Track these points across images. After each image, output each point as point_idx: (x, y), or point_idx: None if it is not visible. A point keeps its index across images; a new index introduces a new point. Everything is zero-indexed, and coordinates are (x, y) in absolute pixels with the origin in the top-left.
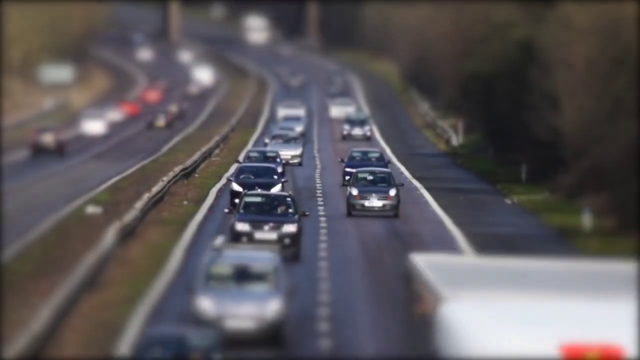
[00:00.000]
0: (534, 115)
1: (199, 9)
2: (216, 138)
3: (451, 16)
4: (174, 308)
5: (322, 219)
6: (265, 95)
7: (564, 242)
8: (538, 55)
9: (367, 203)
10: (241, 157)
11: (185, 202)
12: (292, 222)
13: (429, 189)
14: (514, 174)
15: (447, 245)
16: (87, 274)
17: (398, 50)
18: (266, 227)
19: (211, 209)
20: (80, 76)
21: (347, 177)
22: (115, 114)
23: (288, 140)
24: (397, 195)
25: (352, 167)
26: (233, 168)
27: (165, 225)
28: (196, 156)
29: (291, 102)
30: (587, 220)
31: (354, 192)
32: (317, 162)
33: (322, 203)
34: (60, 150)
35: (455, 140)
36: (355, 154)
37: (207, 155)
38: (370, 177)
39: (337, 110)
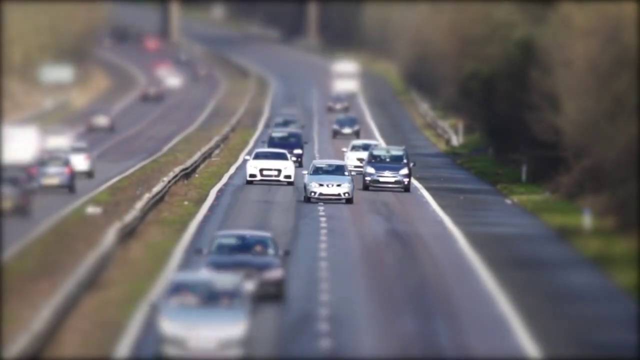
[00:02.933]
0: (534, 115)
1: (199, 9)
2: (216, 138)
3: (451, 16)
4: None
5: (322, 219)
6: (265, 95)
7: (564, 242)
8: (538, 55)
9: None
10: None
11: (186, 202)
12: None
13: (429, 189)
14: (514, 174)
15: (447, 245)
16: (87, 274)
17: (398, 51)
18: None
19: (211, 209)
20: (81, 76)
21: None
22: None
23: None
24: None
25: None
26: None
27: (165, 225)
28: (196, 156)
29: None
30: (587, 220)
31: None
32: None
33: (322, 203)
34: (159, 98)
35: (456, 140)
36: None
37: (207, 156)
38: None
39: (354, 159)
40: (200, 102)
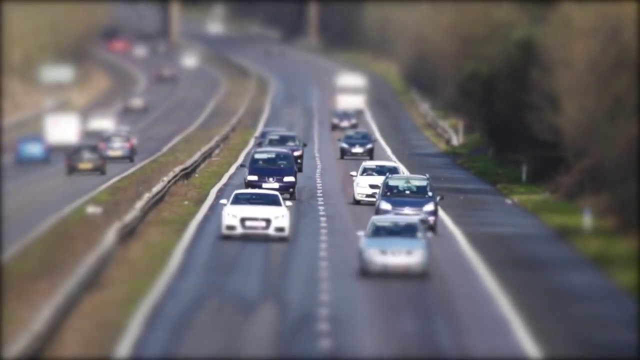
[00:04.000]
0: (534, 115)
1: (199, 9)
2: (216, 138)
3: (451, 16)
4: (174, 309)
5: (323, 219)
6: (265, 95)
7: (564, 242)
8: (538, 55)
9: None
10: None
11: (186, 202)
12: None
13: None
14: (514, 174)
15: (447, 245)
16: (87, 274)
17: (398, 50)
18: None
19: (211, 209)
20: (81, 76)
21: None
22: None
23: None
24: None
25: None
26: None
27: (165, 225)
28: (196, 156)
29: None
30: (587, 220)
31: None
32: (318, 162)
33: (322, 203)
34: (174, 80)
35: (456, 140)
36: None
37: (207, 156)
38: None
39: (366, 185)
40: (201, 102)
